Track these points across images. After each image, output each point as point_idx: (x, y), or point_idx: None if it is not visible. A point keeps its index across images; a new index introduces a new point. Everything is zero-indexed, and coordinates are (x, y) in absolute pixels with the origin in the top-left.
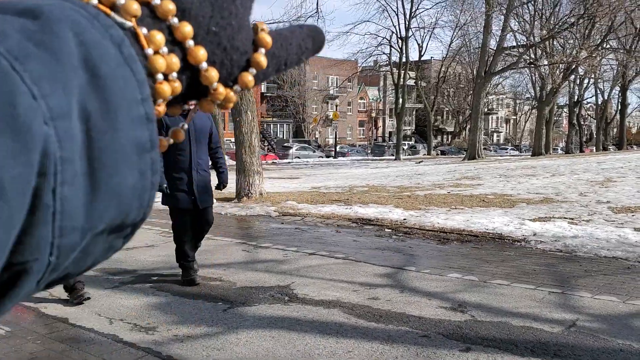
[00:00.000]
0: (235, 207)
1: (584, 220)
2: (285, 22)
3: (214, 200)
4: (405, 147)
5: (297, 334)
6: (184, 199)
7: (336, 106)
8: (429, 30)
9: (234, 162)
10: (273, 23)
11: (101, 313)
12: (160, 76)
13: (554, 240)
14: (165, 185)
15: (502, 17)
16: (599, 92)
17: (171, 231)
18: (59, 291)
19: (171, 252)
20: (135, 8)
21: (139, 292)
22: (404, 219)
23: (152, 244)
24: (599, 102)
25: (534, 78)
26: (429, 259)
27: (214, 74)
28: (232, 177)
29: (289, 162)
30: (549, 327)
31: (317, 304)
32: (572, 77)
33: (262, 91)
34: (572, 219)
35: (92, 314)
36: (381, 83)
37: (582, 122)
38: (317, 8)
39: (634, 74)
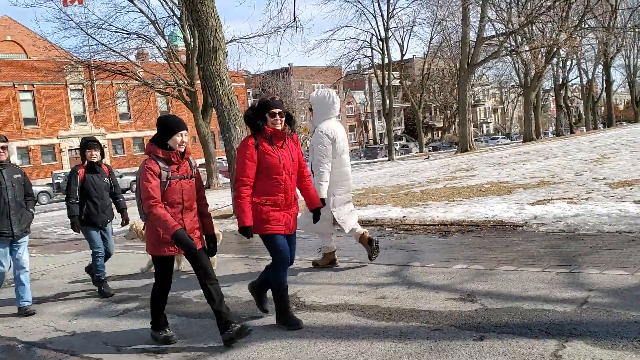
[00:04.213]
0: (233, 223)
1: (583, 199)
2: (264, 35)
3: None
4: (398, 147)
5: (309, 341)
6: None
7: None
8: (408, 29)
9: (228, 180)
10: (253, 37)
11: (108, 342)
12: None
13: (556, 221)
14: None
15: (479, 8)
16: (582, 72)
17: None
18: (64, 325)
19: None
20: None
21: (144, 317)
22: (404, 217)
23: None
24: (584, 83)
25: (517, 65)
26: (433, 252)
27: None
28: (227, 194)
29: None
30: (561, 307)
31: (325, 309)
32: (555, 60)
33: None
34: (571, 198)
35: (99, 344)
36: (366, 86)
37: (570, 104)
38: (294, 18)
39: (614, 50)
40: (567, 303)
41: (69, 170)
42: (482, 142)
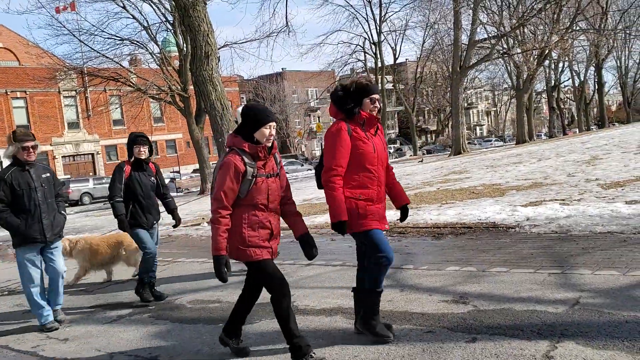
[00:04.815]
0: None
1: (575, 200)
2: (257, 40)
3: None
4: (392, 151)
5: None
6: None
7: (318, 117)
8: (400, 33)
9: None
10: (245, 42)
11: (101, 349)
12: None
13: (548, 223)
14: None
15: (471, 11)
16: (574, 74)
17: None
18: (56, 333)
19: (166, 281)
20: None
21: (137, 323)
22: (397, 219)
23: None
24: (576, 84)
25: (509, 68)
26: (426, 255)
27: None
28: None
29: None
30: (553, 309)
31: (318, 313)
32: (547, 62)
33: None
34: (564, 199)
35: (91, 351)
36: None
37: (562, 106)
38: (286, 23)
39: (606, 52)
40: (559, 304)
41: (65, 175)
42: (475, 144)
